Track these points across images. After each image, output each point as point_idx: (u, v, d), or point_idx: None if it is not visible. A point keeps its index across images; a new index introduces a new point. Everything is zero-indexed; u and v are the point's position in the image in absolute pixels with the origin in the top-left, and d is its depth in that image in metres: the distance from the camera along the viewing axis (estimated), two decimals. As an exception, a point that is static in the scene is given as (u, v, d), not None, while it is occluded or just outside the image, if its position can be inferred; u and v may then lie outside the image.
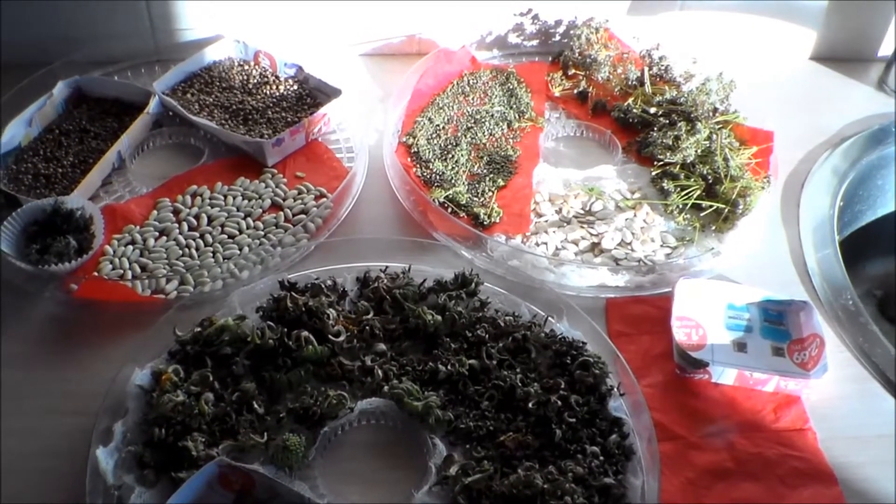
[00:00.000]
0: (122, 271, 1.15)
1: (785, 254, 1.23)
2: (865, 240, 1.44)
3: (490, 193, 1.26)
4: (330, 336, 1.03)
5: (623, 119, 1.38)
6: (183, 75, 1.43)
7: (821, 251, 1.22)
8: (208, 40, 1.48)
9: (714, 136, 1.27)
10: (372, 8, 1.49)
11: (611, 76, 1.41)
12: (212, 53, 1.46)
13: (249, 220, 1.23)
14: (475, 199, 1.25)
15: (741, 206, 1.21)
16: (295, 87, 1.41)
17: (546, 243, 1.20)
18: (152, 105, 1.34)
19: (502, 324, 1.06)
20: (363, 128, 1.38)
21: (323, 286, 1.10)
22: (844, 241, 1.37)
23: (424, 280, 1.12)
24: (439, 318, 1.05)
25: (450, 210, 1.23)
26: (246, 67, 1.44)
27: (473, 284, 1.11)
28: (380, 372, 1.01)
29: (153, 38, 1.49)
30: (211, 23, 1.48)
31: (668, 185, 1.25)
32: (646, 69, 1.38)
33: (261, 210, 1.25)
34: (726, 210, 1.22)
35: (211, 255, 1.18)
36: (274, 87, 1.41)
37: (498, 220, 1.22)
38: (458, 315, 1.05)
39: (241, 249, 1.19)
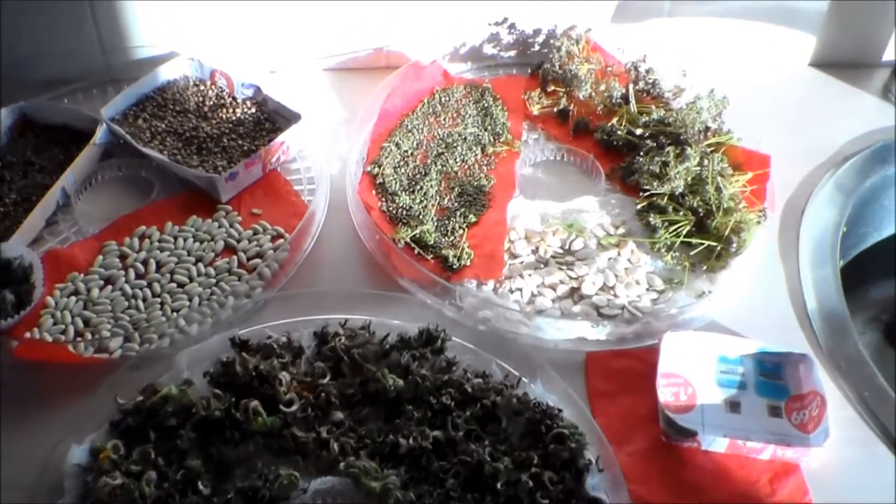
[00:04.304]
0: (63, 326, 1.06)
1: (783, 294, 1.14)
2: (871, 262, 1.35)
3: (460, 231, 1.16)
4: (281, 406, 0.94)
5: (606, 141, 1.27)
6: (134, 98, 1.33)
7: (822, 291, 1.13)
8: (162, 58, 1.37)
9: (705, 162, 1.15)
10: (337, 19, 1.39)
11: (593, 93, 1.29)
12: (166, 73, 1.36)
13: (201, 265, 1.14)
14: (444, 238, 1.15)
15: (735, 244, 1.11)
16: (253, 109, 1.32)
17: (521, 289, 1.10)
18: (99, 134, 1.24)
19: (470, 389, 0.97)
20: (326, 155, 1.29)
21: (276, 346, 1.01)
22: (848, 264, 1.29)
23: (387, 335, 1.03)
24: (401, 382, 0.96)
25: (416, 251, 1.13)
26: (202, 87, 1.34)
27: (440, 342, 1.02)
28: (336, 446, 0.92)
29: (104, 57, 1.39)
30: (165, 40, 1.38)
31: (654, 219, 1.15)
32: (630, 86, 1.27)
33: (213, 254, 1.16)
34: (719, 248, 1.12)
35: (159, 306, 1.10)
36: (231, 110, 1.31)
37: (468, 263, 1.13)
38: (421, 379, 0.97)
39: (191, 300, 1.10)
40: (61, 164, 1.23)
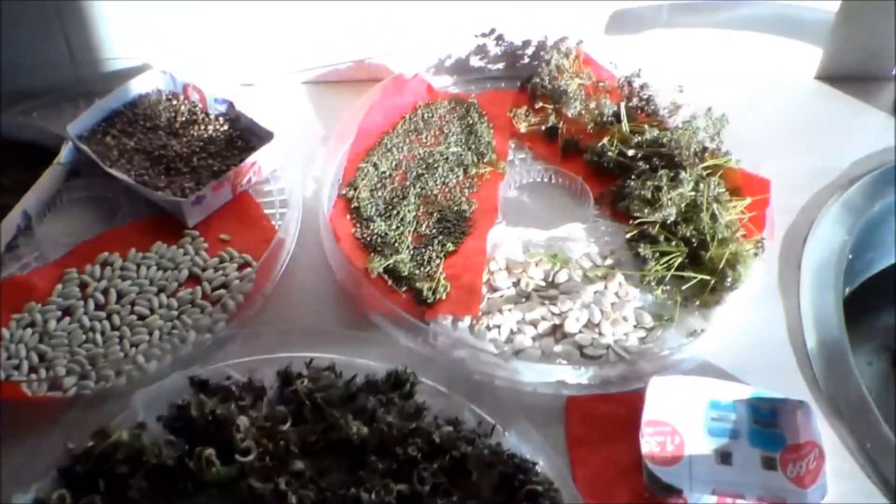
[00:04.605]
0: (17, 361, 1.01)
1: (781, 332, 1.07)
2: (878, 289, 1.27)
3: (437, 261, 1.10)
4: (237, 455, 0.88)
5: (597, 163, 1.20)
6: (103, 113, 1.26)
7: (823, 328, 1.06)
8: (135, 70, 1.31)
9: (701, 187, 1.08)
10: (317, 30, 1.32)
11: (583, 111, 1.22)
12: (137, 86, 1.29)
13: (163, 296, 1.08)
14: (419, 268, 1.09)
15: (730, 277, 1.04)
16: (226, 126, 1.25)
17: (499, 326, 1.03)
18: (64, 153, 1.18)
19: (439, 439, 0.90)
20: (300, 176, 1.21)
21: (235, 387, 0.95)
22: (854, 292, 1.22)
23: (354, 377, 0.96)
24: (366, 430, 0.90)
25: (389, 283, 1.07)
26: (174, 102, 1.28)
27: (409, 385, 0.95)
28: (294, 499, 0.85)
29: (74, 69, 1.33)
30: (139, 51, 1.32)
31: (645, 250, 1.08)
32: (622, 105, 1.19)
33: (176, 283, 1.10)
34: (713, 281, 1.05)
35: (117, 340, 1.04)
36: (203, 127, 1.25)
37: (444, 297, 1.06)
38: (388, 426, 0.90)
39: (150, 334, 1.04)
40: (26, 183, 1.16)
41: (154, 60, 1.31)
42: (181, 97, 1.29)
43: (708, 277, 1.05)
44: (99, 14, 1.27)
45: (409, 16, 1.32)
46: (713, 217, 1.07)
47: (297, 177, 1.20)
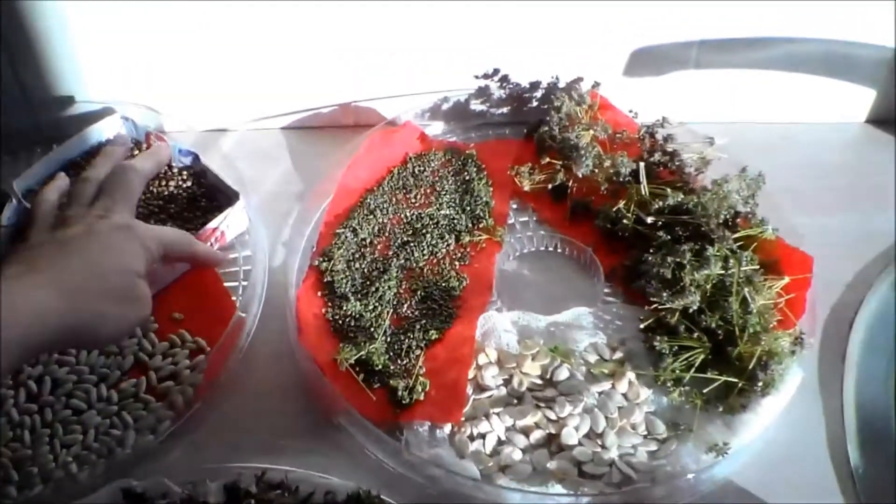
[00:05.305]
0: (-69, 459, 0.86)
1: (820, 444, 0.90)
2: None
3: (417, 352, 0.95)
4: None
5: (610, 230, 1.04)
6: (56, 165, 1.12)
7: (869, 440, 0.89)
8: (96, 115, 1.16)
9: (730, 263, 0.90)
10: (297, 67, 1.18)
11: (596, 170, 1.04)
12: (95, 134, 1.15)
13: (103, 387, 0.94)
14: (396, 361, 0.94)
15: (761, 381, 0.88)
16: (189, 182, 1.11)
17: (485, 436, 0.89)
18: (6, 214, 1.02)
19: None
20: (270, 241, 1.08)
21: (174, 505, 0.79)
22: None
23: (311, 495, 0.82)
24: (313, 571, 0.74)
25: (360, 378, 0.91)
26: (136, 153, 1.12)
27: (371, 513, 0.78)
28: None
29: (31, 114, 1.19)
30: (104, 92, 1.18)
31: (661, 343, 0.92)
32: (642, 166, 1.02)
33: (119, 372, 0.95)
34: (740, 384, 0.88)
35: (48, 440, 0.90)
36: (164, 182, 1.10)
37: (422, 397, 0.91)
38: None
39: (85, 433, 0.90)
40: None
41: (117, 103, 1.17)
42: (143, 146, 1.13)
43: (734, 380, 0.89)
44: (56, 51, 1.13)
45: (402, 52, 1.17)
46: (744, 303, 0.89)
47: (265, 243, 1.06)
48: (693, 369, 0.91)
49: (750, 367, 0.89)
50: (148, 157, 1.00)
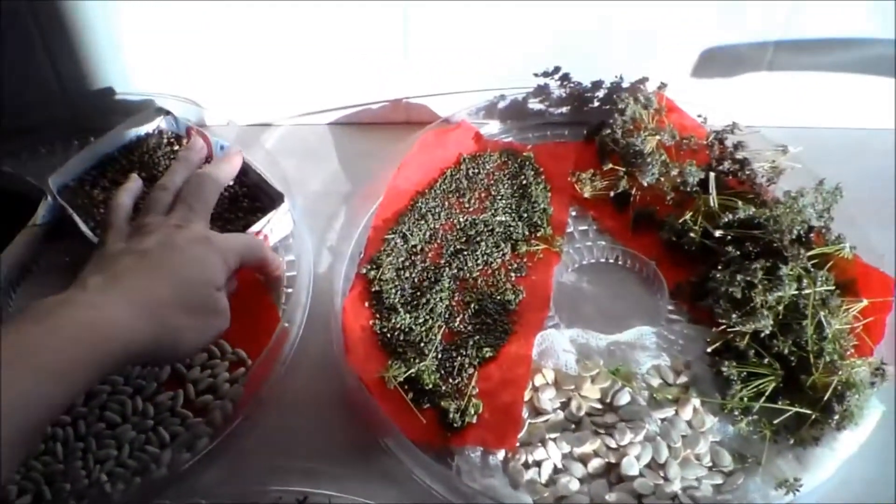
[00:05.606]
0: (-39, 472, 0.80)
1: (898, 483, 0.81)
2: None
3: (470, 370, 0.90)
4: None
5: (675, 243, 0.97)
6: (93, 159, 1.08)
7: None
8: (135, 106, 1.12)
9: (804, 283, 0.84)
10: (346, 60, 1.12)
11: (662, 178, 0.98)
12: (134, 128, 1.10)
13: (139, 399, 0.89)
14: (448, 380, 0.89)
15: (837, 413, 0.81)
16: (231, 181, 1.03)
17: (541, 463, 0.83)
18: (41, 213, 0.99)
19: None
20: (315, 244, 1.03)
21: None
22: None
23: (354, 524, 0.76)
24: None
25: (410, 397, 0.87)
26: (176, 147, 1.07)
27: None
28: None
29: (68, 106, 1.15)
30: (140, 85, 1.14)
31: (729, 368, 0.86)
32: (712, 176, 0.95)
33: (155, 384, 0.91)
34: (814, 415, 0.82)
35: (80, 454, 0.86)
36: (205, 180, 1.02)
37: (475, 420, 0.85)
38: None
39: (119, 449, 0.86)
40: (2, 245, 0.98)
41: (157, 96, 1.14)
42: (184, 140, 1.08)
43: (808, 411, 0.83)
44: (95, 41, 1.08)
45: (456, 48, 1.11)
46: (818, 327, 0.83)
47: (310, 247, 1.01)
48: (763, 398, 0.84)
49: (825, 397, 0.83)
50: (223, 165, 0.96)
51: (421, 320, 0.93)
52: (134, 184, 0.95)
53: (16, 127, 1.13)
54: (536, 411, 0.87)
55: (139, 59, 1.12)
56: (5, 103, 1.11)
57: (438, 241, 1.02)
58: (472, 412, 0.86)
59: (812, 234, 0.95)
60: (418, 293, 0.96)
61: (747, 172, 1.01)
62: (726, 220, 0.95)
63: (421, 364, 0.88)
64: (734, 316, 0.87)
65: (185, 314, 0.78)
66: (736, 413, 0.85)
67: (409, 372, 0.88)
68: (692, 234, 0.96)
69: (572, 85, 1.14)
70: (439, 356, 0.91)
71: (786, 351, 0.85)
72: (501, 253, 1.00)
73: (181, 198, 0.90)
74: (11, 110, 1.12)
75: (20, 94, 1.12)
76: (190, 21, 1.07)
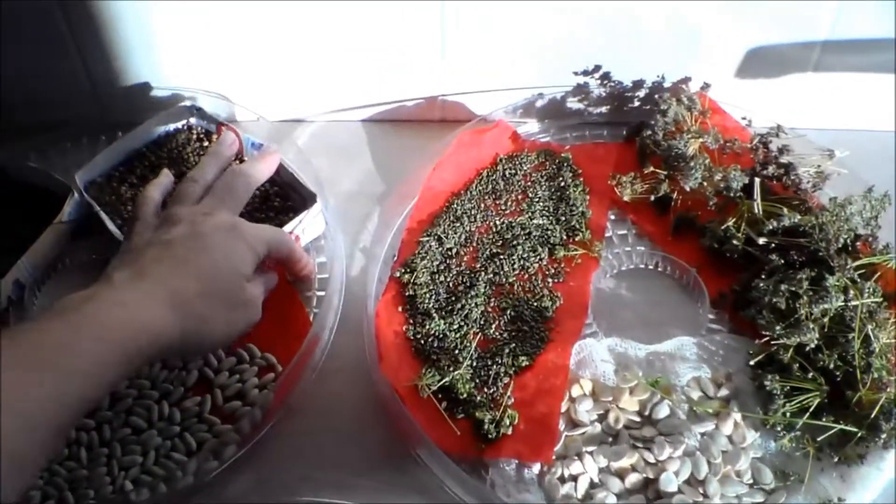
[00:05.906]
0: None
1: (949, 505, 0.78)
2: None
3: (506, 380, 0.87)
4: None
5: (717, 250, 0.95)
6: (122, 155, 1.07)
7: None
8: (166, 101, 1.11)
9: (851, 294, 0.81)
10: (382, 56, 1.10)
11: (704, 182, 0.95)
12: (163, 123, 1.09)
13: (165, 404, 0.88)
14: (483, 389, 0.86)
15: (885, 431, 0.78)
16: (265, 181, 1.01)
17: (577, 478, 0.81)
18: (67, 210, 0.98)
19: None
20: (347, 246, 1.01)
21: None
22: None
23: (386, 540, 0.74)
24: None
25: (443, 406, 0.85)
26: (206, 144, 1.05)
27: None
28: None
29: (97, 103, 1.14)
30: (169, 79, 1.12)
31: (772, 383, 0.83)
32: (757, 181, 0.93)
33: (182, 388, 0.89)
34: (860, 433, 0.79)
35: (105, 460, 0.84)
36: (234, 178, 1.01)
37: (510, 431, 0.83)
38: None
39: (144, 455, 0.84)
40: (24, 242, 0.97)
41: (187, 90, 1.12)
42: (214, 137, 1.06)
43: (853, 429, 0.80)
44: (125, 35, 1.06)
45: (493, 45, 1.08)
46: (865, 341, 0.80)
47: (343, 249, 0.99)
48: (807, 414, 0.82)
49: (872, 415, 0.80)
50: (259, 163, 0.94)
51: (455, 326, 0.91)
52: (165, 178, 0.93)
53: (43, 123, 1.11)
54: (573, 423, 0.85)
55: (170, 56, 1.10)
56: (36, 100, 1.09)
57: (474, 244, 1.00)
58: (508, 423, 0.84)
59: (858, 243, 0.91)
60: (453, 298, 0.94)
61: (792, 178, 0.98)
62: (770, 227, 0.92)
63: (455, 372, 0.86)
64: (778, 328, 0.84)
65: (212, 304, 0.77)
66: (778, 429, 0.83)
67: (444, 381, 0.85)
68: (735, 241, 0.94)
69: (612, 84, 1.11)
70: (474, 364, 0.88)
71: (831, 365, 0.82)
72: (538, 257, 0.98)
73: (212, 191, 0.89)
74: (39, 107, 1.11)
75: (49, 91, 1.11)
76: (221, 17, 1.04)
